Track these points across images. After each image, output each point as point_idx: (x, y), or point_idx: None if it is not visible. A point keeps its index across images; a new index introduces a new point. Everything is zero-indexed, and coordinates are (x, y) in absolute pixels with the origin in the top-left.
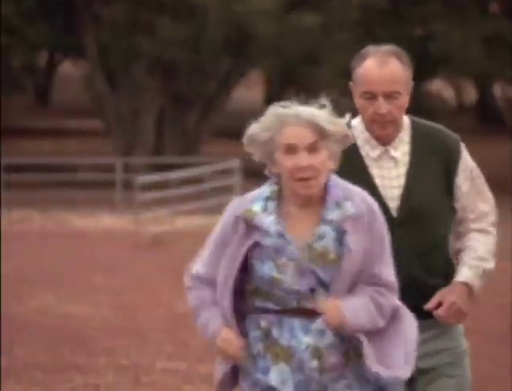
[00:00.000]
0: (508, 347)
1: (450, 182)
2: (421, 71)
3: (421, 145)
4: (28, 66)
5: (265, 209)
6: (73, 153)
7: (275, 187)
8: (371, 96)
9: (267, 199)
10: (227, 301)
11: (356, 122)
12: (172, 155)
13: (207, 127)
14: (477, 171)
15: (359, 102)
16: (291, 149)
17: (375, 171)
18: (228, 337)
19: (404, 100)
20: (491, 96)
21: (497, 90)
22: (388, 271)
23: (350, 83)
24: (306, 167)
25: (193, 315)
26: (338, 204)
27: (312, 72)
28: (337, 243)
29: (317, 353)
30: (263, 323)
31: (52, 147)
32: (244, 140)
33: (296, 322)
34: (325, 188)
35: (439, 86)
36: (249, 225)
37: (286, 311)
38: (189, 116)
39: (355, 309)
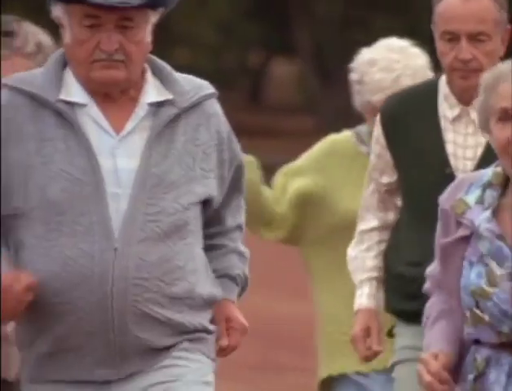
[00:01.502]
0: None
1: None
2: None
3: None
4: (242, 64)
5: (480, 201)
6: (283, 152)
7: (500, 170)
8: (452, 37)
9: (487, 186)
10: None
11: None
12: None
13: None
14: None
15: (438, 46)
16: (506, 115)
17: (449, 136)
18: (423, 373)
19: (495, 46)
20: None
21: None
22: None
23: (432, 25)
24: None
25: None
26: None
27: None
28: None
29: None
30: (477, 358)
31: (265, 145)
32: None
33: None
34: None
35: None
36: (459, 221)
37: (505, 345)
38: None
39: None
